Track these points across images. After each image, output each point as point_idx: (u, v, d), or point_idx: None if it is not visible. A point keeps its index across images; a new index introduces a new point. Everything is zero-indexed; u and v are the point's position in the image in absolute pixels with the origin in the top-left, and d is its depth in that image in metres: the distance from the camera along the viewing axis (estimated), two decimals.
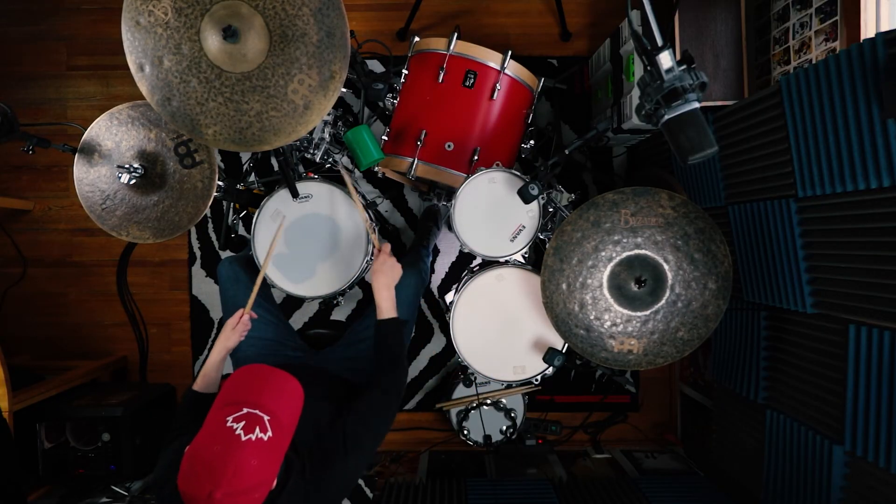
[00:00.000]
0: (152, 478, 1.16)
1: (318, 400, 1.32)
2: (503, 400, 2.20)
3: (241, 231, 2.38)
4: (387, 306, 1.42)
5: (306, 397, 1.09)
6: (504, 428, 2.21)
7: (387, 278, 1.45)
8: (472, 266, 1.99)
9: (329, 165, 1.99)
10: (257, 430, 0.94)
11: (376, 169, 1.94)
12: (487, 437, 2.19)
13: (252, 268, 1.67)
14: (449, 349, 2.45)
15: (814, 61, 1.50)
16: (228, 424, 0.94)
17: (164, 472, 1.13)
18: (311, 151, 1.82)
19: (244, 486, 0.91)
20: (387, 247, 1.50)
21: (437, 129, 1.73)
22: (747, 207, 1.66)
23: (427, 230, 2.26)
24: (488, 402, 2.20)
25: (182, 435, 1.18)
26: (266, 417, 0.96)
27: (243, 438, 0.92)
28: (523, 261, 1.74)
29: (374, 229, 1.56)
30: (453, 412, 2.25)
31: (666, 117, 1.03)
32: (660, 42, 1.02)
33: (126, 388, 2.24)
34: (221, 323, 2.40)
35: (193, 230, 2.46)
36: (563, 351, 1.58)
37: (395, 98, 1.85)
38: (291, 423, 1.03)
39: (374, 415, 1.27)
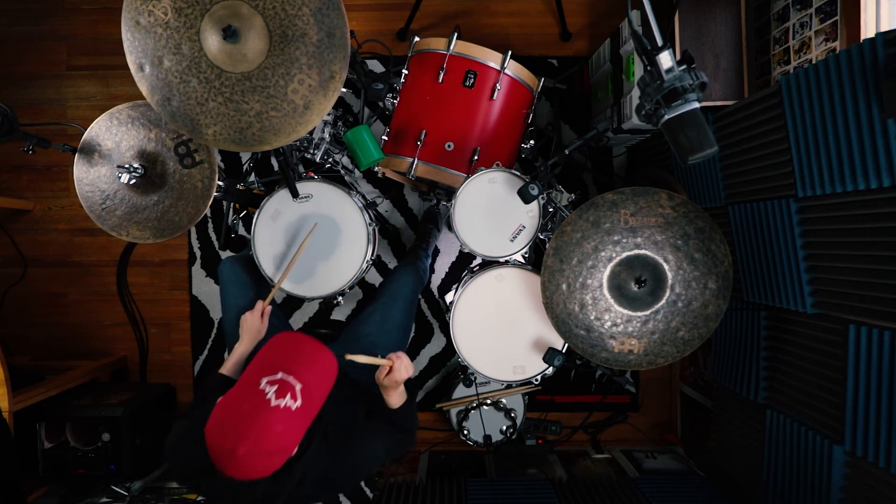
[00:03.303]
0: (168, 441, 1.16)
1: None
2: (503, 400, 2.20)
3: (241, 231, 2.38)
4: (399, 402, 1.33)
5: None
6: (504, 428, 2.21)
7: (401, 392, 1.33)
8: (472, 266, 1.99)
9: (329, 165, 1.99)
10: (288, 396, 0.97)
11: (376, 169, 1.94)
12: (487, 437, 2.19)
13: (253, 268, 1.67)
14: (449, 349, 2.44)
15: (814, 61, 1.50)
16: (262, 387, 0.97)
17: (177, 438, 1.15)
18: (311, 151, 1.82)
19: (266, 448, 0.94)
20: (402, 362, 1.30)
21: (437, 129, 1.73)
22: (747, 207, 1.66)
23: (427, 232, 2.26)
24: (488, 402, 2.20)
25: (202, 407, 1.16)
26: (298, 386, 0.99)
27: (272, 403, 0.95)
28: (523, 261, 1.74)
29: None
30: (453, 412, 2.25)
31: (666, 117, 1.03)
32: (660, 42, 1.02)
33: (126, 388, 2.24)
34: (221, 323, 2.41)
35: (193, 230, 2.46)
36: (563, 351, 1.58)
37: (395, 98, 1.85)
38: (321, 396, 1.05)
39: (391, 445, 1.29)
